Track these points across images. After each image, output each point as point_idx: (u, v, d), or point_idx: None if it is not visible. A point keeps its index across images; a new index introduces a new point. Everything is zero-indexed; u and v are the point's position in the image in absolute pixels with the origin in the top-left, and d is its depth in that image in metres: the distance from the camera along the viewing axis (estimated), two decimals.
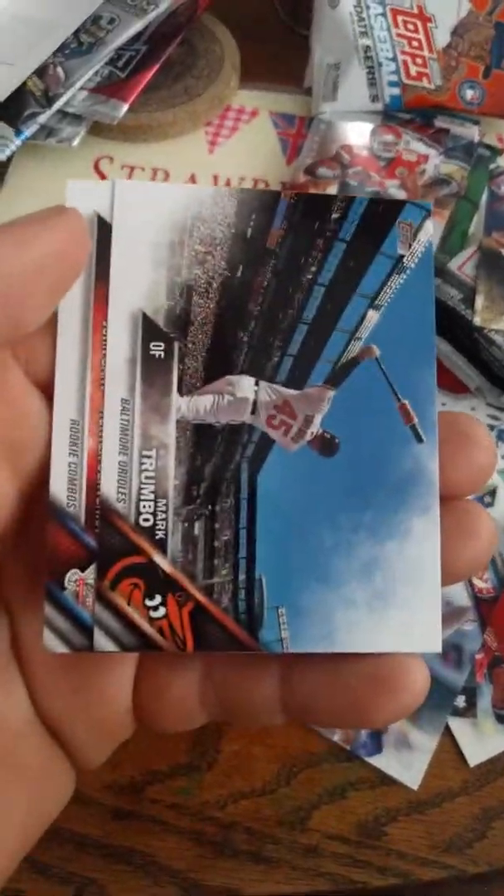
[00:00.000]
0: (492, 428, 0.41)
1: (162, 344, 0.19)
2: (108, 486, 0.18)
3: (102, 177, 0.49)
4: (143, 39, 0.50)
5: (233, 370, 0.20)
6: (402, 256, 0.20)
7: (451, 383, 0.42)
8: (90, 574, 0.17)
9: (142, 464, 0.19)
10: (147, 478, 0.19)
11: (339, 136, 0.49)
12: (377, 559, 0.19)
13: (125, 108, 0.48)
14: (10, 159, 0.48)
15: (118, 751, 0.34)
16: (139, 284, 0.19)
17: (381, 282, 0.20)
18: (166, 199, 0.20)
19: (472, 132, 0.49)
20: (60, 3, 0.51)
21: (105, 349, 0.18)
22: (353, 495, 0.20)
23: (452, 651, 0.36)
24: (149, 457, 0.19)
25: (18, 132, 0.47)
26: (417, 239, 0.21)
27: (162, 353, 0.19)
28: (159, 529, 0.19)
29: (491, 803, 0.34)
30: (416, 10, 0.49)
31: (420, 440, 0.20)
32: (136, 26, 0.49)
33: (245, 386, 0.20)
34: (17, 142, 0.47)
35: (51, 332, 0.18)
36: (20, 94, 0.47)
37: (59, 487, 0.18)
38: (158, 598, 0.18)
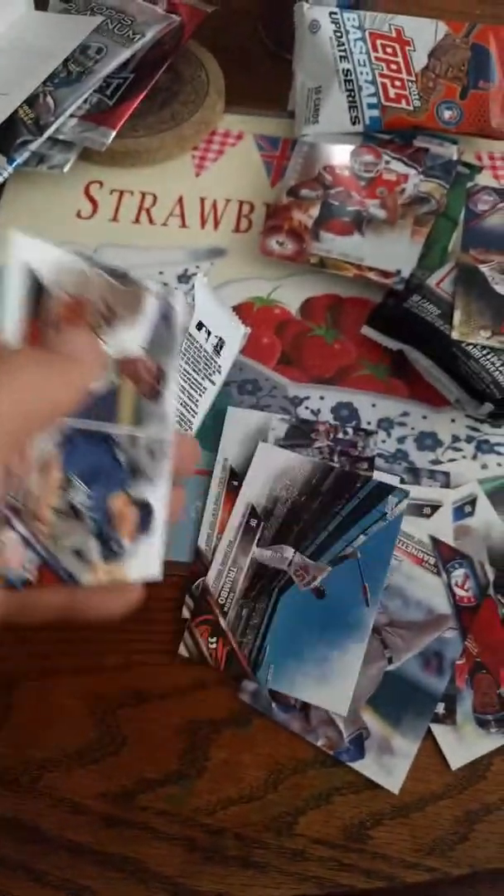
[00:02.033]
0: (471, 440, 0.42)
1: (255, 521, 0.40)
2: (211, 580, 0.39)
3: (92, 201, 0.51)
4: (130, 67, 0.52)
5: (285, 542, 0.39)
6: (386, 513, 0.39)
7: (430, 397, 0.43)
8: (3, 534, 0.24)
9: (228, 574, 0.39)
10: (228, 580, 0.39)
11: (322, 158, 0.51)
12: (326, 658, 0.37)
13: (113, 134, 0.49)
14: (2, 186, 0.50)
15: (110, 759, 0.36)
16: (257, 491, 0.40)
17: (372, 522, 0.39)
18: (290, 463, 0.41)
19: (450, 151, 0.51)
20: (50, 34, 0.53)
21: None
22: (325, 620, 0.37)
23: (434, 658, 0.37)
24: (233, 571, 0.39)
25: (11, 159, 0.48)
26: (398, 507, 0.39)
27: (254, 524, 0.40)
28: (226, 607, 0.38)
29: (473, 806, 0.35)
30: (394, 34, 0.51)
31: (367, 605, 0.38)
32: (124, 55, 0.51)
33: (288, 552, 0.39)
34: (10, 169, 0.48)
35: None
36: (12, 123, 0.49)
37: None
38: (215, 639, 0.37)
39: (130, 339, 0.26)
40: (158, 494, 0.26)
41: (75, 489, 0.24)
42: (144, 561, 0.25)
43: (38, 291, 0.24)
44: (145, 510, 0.26)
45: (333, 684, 0.36)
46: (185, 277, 0.47)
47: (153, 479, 0.26)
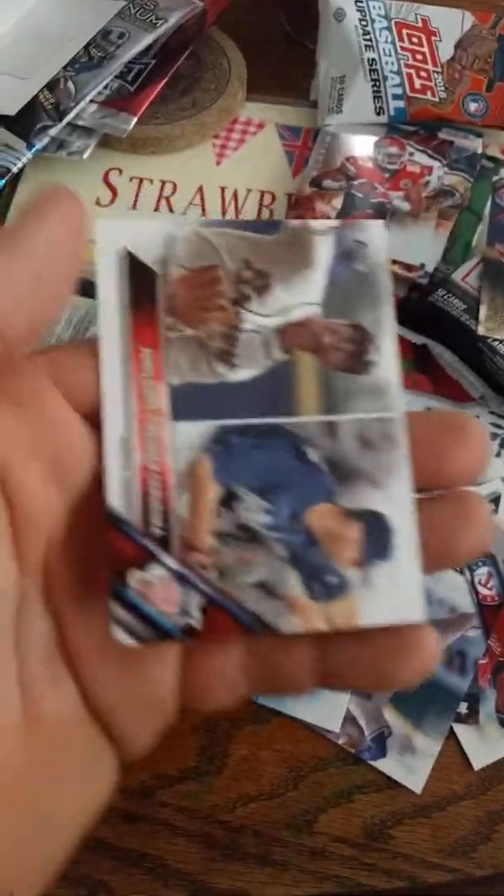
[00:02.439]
0: (495, 436, 0.42)
1: None
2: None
3: (112, 188, 0.50)
4: (151, 53, 0.51)
5: None
6: None
7: (455, 392, 0.43)
8: (150, 572, 0.18)
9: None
10: None
11: (345, 148, 0.50)
12: None
13: (134, 121, 0.48)
14: (21, 171, 0.49)
15: None
16: None
17: None
18: None
19: (475, 144, 0.50)
20: (71, 18, 0.52)
21: (144, 373, 0.19)
22: None
23: (456, 657, 0.36)
24: None
25: (30, 145, 0.48)
26: None
27: None
28: None
29: (495, 807, 0.35)
30: (420, 24, 0.50)
31: None
32: (146, 41, 0.50)
33: None
34: (29, 154, 0.48)
35: (89, 359, 0.19)
36: (32, 108, 0.48)
37: (114, 498, 0.18)
38: None
39: (296, 299, 0.19)
40: (394, 499, 0.18)
41: (245, 505, 0.18)
42: (391, 596, 0.18)
43: (140, 276, 0.19)
44: (375, 524, 0.18)
45: (325, 699, 0.36)
46: None
47: (378, 479, 0.18)
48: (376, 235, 0.20)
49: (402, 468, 0.19)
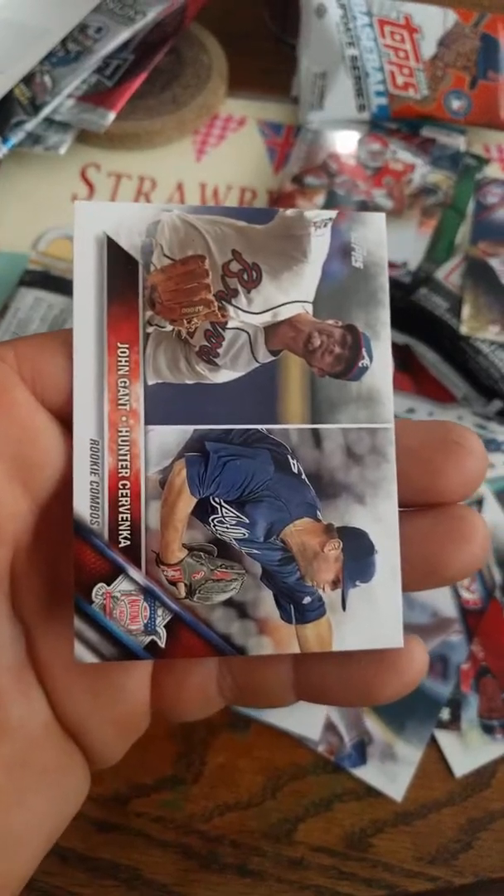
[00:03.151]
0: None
1: None
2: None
3: (89, 184, 0.49)
4: (130, 48, 0.50)
5: None
6: None
7: (437, 392, 0.42)
8: (116, 587, 0.17)
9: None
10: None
11: (327, 145, 0.49)
12: None
13: (112, 116, 0.48)
14: None
15: None
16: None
17: None
18: None
19: (458, 142, 0.50)
20: (48, 12, 0.51)
21: (119, 370, 0.18)
22: None
23: (438, 662, 0.36)
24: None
25: (5, 140, 0.47)
26: None
27: None
28: None
29: (477, 814, 0.34)
30: (402, 21, 0.49)
31: None
32: (124, 35, 0.49)
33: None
34: (4, 149, 0.47)
35: (59, 352, 0.18)
36: (7, 102, 0.47)
37: (82, 505, 0.17)
38: None
39: (286, 295, 0.18)
40: (379, 517, 0.18)
41: (220, 518, 0.17)
42: (369, 621, 0.17)
43: (120, 264, 0.18)
44: (356, 543, 0.17)
45: (305, 706, 0.33)
46: None
47: (364, 494, 0.18)
48: (376, 227, 0.19)
49: (390, 484, 0.18)
